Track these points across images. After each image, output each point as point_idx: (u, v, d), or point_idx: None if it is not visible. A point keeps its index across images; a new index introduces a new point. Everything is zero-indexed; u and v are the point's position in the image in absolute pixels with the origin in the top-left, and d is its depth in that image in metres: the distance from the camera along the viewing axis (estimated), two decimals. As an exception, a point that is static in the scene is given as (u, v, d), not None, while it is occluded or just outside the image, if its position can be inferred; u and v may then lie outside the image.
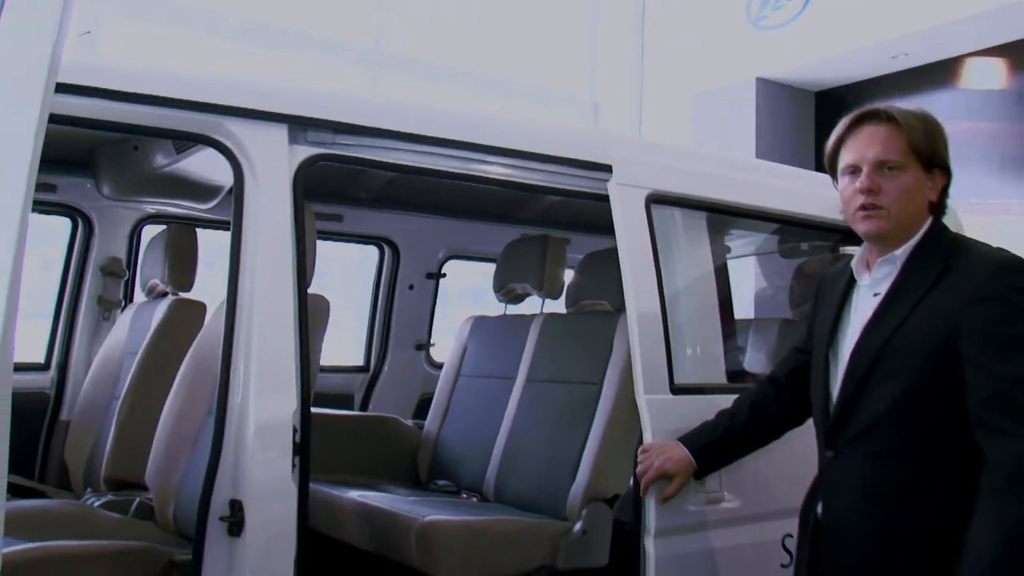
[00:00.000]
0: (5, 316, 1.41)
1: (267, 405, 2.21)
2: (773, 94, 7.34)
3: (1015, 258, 1.91)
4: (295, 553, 2.20)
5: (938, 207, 2.03)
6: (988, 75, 6.60)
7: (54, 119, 2.19)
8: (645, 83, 8.64)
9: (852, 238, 3.08)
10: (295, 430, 2.22)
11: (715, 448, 2.46)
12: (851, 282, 2.13)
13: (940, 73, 6.70)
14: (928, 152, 1.98)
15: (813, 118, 7.48)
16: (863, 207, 1.99)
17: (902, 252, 2.00)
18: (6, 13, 1.52)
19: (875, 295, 2.03)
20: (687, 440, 2.47)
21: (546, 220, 4.37)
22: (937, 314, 1.89)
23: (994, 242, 2.01)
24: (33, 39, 1.55)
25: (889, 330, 1.94)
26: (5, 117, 1.55)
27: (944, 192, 2.03)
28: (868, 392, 1.96)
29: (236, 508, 2.16)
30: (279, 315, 2.27)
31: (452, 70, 7.94)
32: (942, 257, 1.94)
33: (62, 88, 2.14)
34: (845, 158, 2.04)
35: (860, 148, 2.00)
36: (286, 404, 2.22)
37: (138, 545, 2.52)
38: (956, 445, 1.85)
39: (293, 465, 2.22)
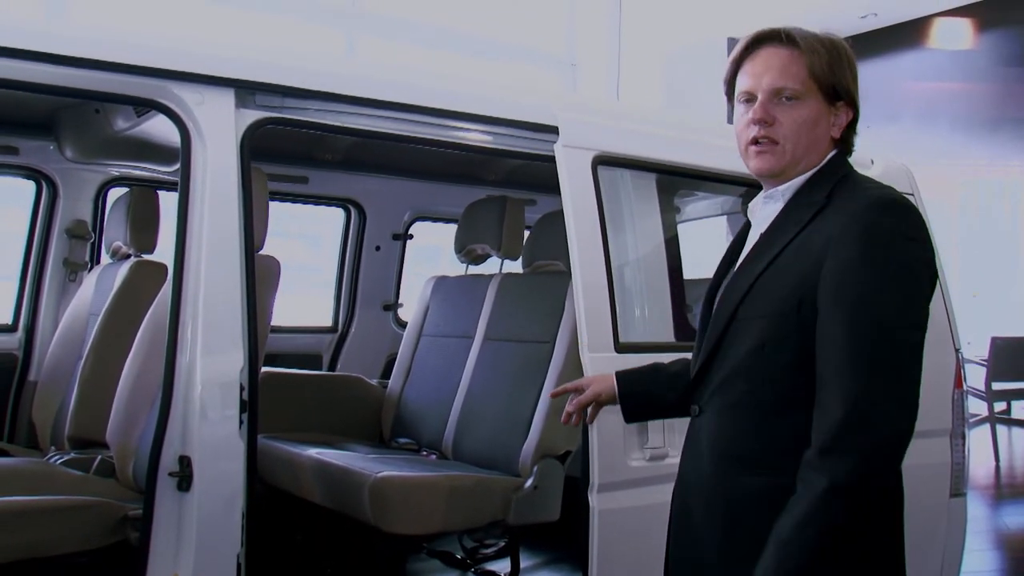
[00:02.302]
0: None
1: (214, 364, 2.26)
2: (744, 54, 7.34)
3: (891, 195, 1.68)
4: (243, 508, 2.27)
5: (842, 144, 1.81)
6: (956, 35, 6.63)
7: (3, 84, 2.25)
8: (622, 42, 8.63)
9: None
10: (242, 388, 2.27)
11: (638, 375, 2.20)
12: (748, 226, 1.93)
13: (908, 33, 6.72)
14: (831, 82, 1.75)
15: (785, 79, 7.48)
16: (756, 140, 1.77)
17: (786, 188, 1.79)
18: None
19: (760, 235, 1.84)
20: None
21: (512, 181, 4.41)
22: (806, 253, 1.68)
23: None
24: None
25: (758, 271, 1.74)
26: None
27: (851, 129, 1.81)
28: (731, 339, 1.76)
29: (184, 464, 2.22)
30: (226, 276, 2.31)
31: (428, 30, 7.92)
32: (826, 194, 1.73)
33: (11, 53, 2.18)
34: (741, 84, 1.81)
35: (756, 73, 1.77)
36: (233, 363, 2.27)
37: (92, 500, 2.58)
38: (809, 399, 1.63)
39: (241, 422, 2.27)
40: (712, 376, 1.81)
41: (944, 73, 6.56)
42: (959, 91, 6.51)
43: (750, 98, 1.79)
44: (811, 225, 1.70)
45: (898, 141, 6.70)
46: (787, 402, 1.67)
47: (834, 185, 1.73)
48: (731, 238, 2.01)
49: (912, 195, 3.59)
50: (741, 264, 1.83)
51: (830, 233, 1.65)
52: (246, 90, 2.44)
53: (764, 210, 1.84)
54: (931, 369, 3.33)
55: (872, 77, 7.19)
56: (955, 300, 3.60)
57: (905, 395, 1.58)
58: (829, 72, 1.75)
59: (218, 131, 2.37)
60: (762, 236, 1.80)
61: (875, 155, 3.66)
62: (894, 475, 1.62)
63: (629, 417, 2.20)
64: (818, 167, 1.78)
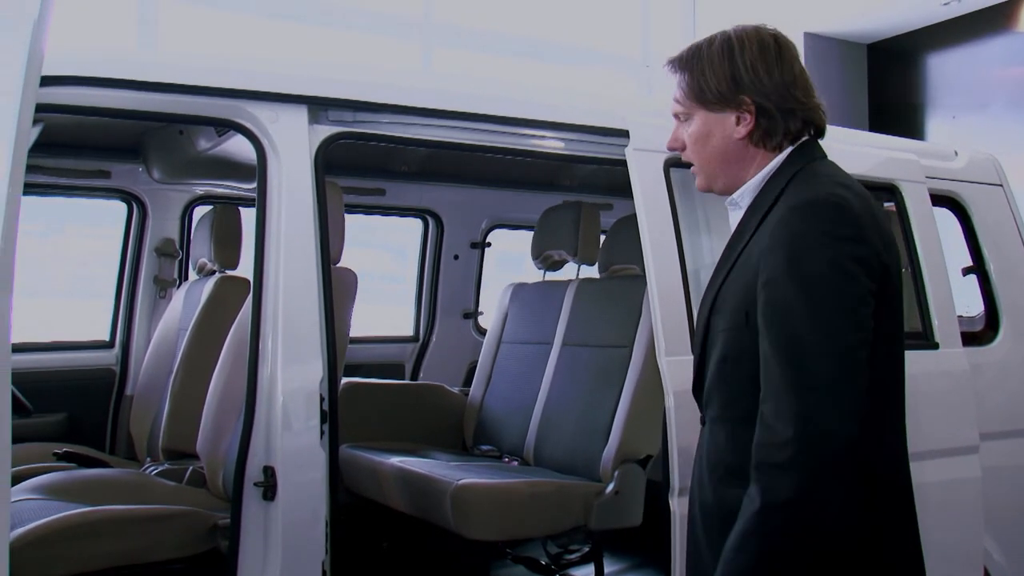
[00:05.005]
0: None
1: (294, 375, 2.30)
2: (822, 48, 7.18)
3: (815, 197, 1.61)
4: (326, 516, 2.31)
5: (766, 139, 1.74)
6: (1044, 18, 6.41)
7: (84, 111, 2.34)
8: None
9: (894, 196, 3.07)
10: (322, 398, 2.32)
11: None
12: None
13: (994, 18, 6.48)
14: (707, 89, 1.73)
15: (865, 72, 7.31)
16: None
17: (740, 194, 1.78)
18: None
19: None
20: None
21: (588, 186, 4.42)
22: (748, 264, 1.67)
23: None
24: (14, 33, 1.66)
25: (719, 282, 1.75)
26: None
27: (772, 120, 1.72)
28: (709, 352, 1.76)
29: (269, 474, 2.27)
30: (304, 289, 2.36)
31: (503, 38, 7.96)
32: (777, 195, 1.69)
33: (87, 82, 2.27)
34: None
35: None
36: (313, 374, 2.32)
37: (184, 509, 2.67)
38: None
39: (322, 432, 2.31)
40: (702, 388, 1.81)
41: (1033, 58, 6.35)
42: (1050, 76, 6.30)
43: None
44: (755, 234, 1.67)
45: (987, 131, 6.48)
46: (753, 415, 1.60)
47: (787, 183, 1.69)
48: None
49: (1000, 185, 3.48)
50: (712, 276, 1.82)
51: (762, 245, 1.63)
52: (318, 106, 2.49)
53: (731, 219, 1.83)
54: (1015, 367, 3.27)
55: (957, 65, 6.97)
56: (1049, 294, 3.46)
57: (839, 406, 1.51)
58: (704, 79, 1.74)
59: (292, 147, 2.43)
60: (726, 247, 1.79)
61: (959, 146, 3.56)
62: (842, 488, 1.51)
63: None
64: (770, 168, 1.74)
